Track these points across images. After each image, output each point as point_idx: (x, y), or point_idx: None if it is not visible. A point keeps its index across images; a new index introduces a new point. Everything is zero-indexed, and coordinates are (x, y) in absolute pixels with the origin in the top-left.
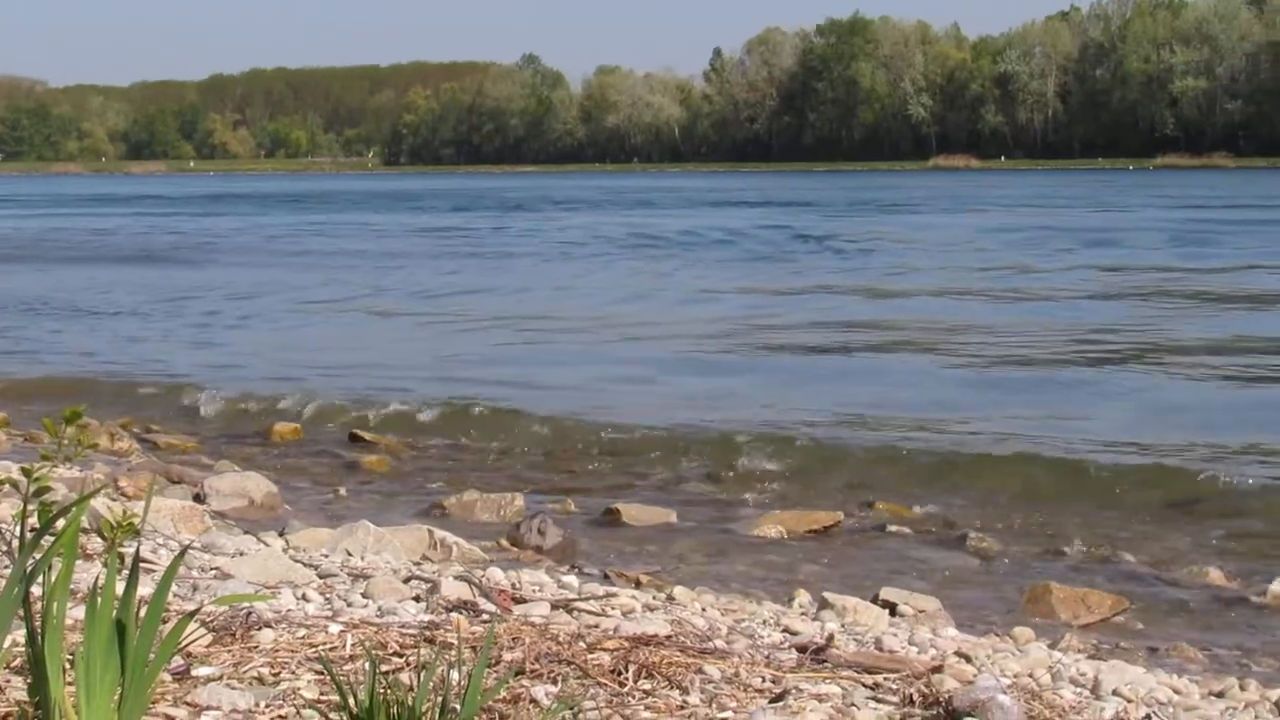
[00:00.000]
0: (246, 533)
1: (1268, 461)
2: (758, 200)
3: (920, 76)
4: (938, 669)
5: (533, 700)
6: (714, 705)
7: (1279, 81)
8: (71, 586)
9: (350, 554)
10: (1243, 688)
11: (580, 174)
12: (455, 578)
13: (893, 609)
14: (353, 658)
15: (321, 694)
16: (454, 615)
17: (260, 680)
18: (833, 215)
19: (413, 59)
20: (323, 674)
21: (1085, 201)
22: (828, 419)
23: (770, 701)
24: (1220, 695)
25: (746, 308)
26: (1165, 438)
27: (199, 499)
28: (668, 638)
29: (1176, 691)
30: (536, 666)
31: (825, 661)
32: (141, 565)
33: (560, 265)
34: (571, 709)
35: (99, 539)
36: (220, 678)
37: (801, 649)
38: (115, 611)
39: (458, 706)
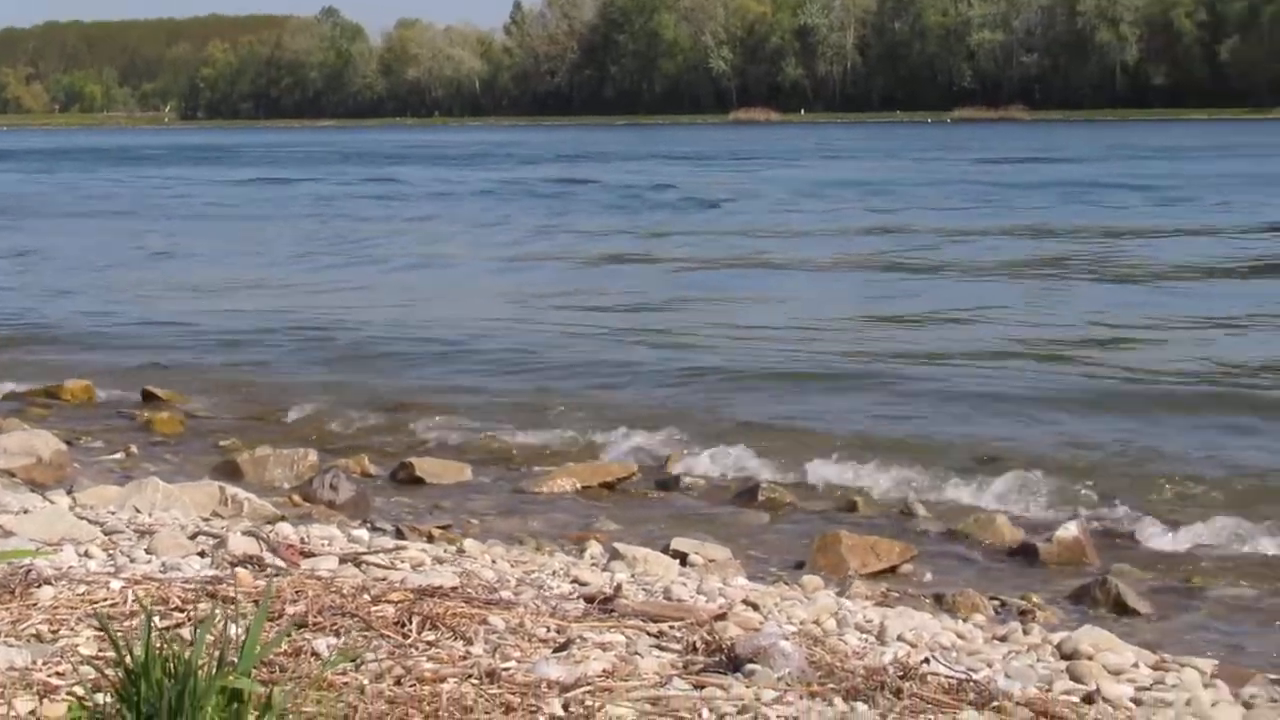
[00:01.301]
0: (33, 491)
1: (1057, 420)
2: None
3: (721, 29)
4: (721, 617)
5: (314, 653)
6: (498, 655)
7: (1073, 34)
8: None
9: (139, 511)
10: (1026, 632)
11: (382, 128)
12: (243, 533)
13: (684, 559)
14: (133, 614)
15: (100, 650)
16: (238, 570)
17: (38, 637)
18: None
19: (210, 11)
20: (102, 631)
21: (877, 152)
22: (624, 376)
23: (554, 651)
24: (1003, 639)
25: (557, 270)
26: (960, 389)
27: None
28: (453, 589)
29: (960, 636)
30: (319, 619)
31: (612, 611)
32: None
33: (364, 224)
34: (353, 661)
35: None
36: None
37: (590, 599)
38: None
39: (235, 660)
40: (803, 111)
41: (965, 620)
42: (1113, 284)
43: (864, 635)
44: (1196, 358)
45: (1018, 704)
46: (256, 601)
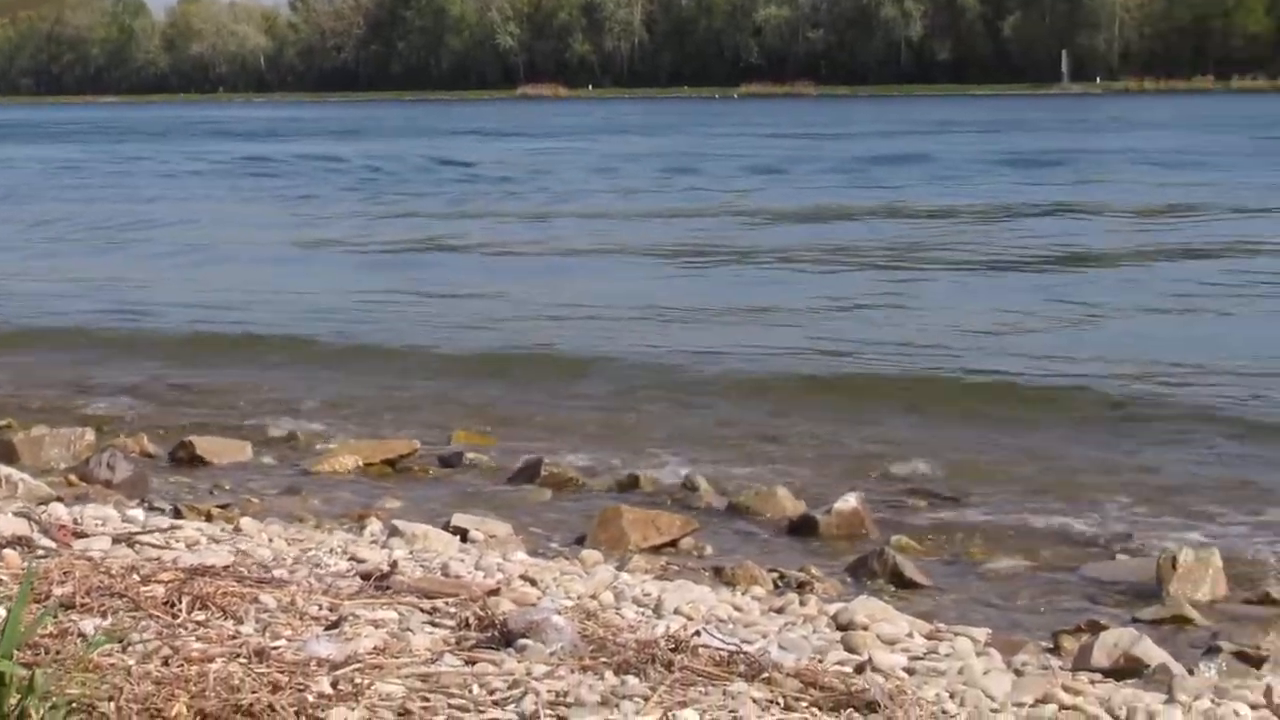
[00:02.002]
0: None
1: (839, 399)
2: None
3: (508, 5)
4: (495, 592)
5: (80, 634)
6: (268, 634)
7: (859, 10)
8: None
9: None
10: (803, 604)
11: (164, 104)
12: (14, 514)
13: (464, 535)
14: None
15: None
16: (5, 552)
17: None
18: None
19: None
20: None
21: (667, 128)
22: (404, 347)
23: (326, 629)
24: (780, 611)
25: (347, 229)
26: (743, 370)
27: None
28: (225, 568)
29: (738, 609)
30: (87, 600)
31: (388, 588)
32: None
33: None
34: (119, 641)
35: None
36: None
37: (366, 576)
38: None
39: None
40: (591, 87)
41: (744, 593)
42: (900, 268)
43: (641, 609)
44: (976, 347)
45: (788, 675)
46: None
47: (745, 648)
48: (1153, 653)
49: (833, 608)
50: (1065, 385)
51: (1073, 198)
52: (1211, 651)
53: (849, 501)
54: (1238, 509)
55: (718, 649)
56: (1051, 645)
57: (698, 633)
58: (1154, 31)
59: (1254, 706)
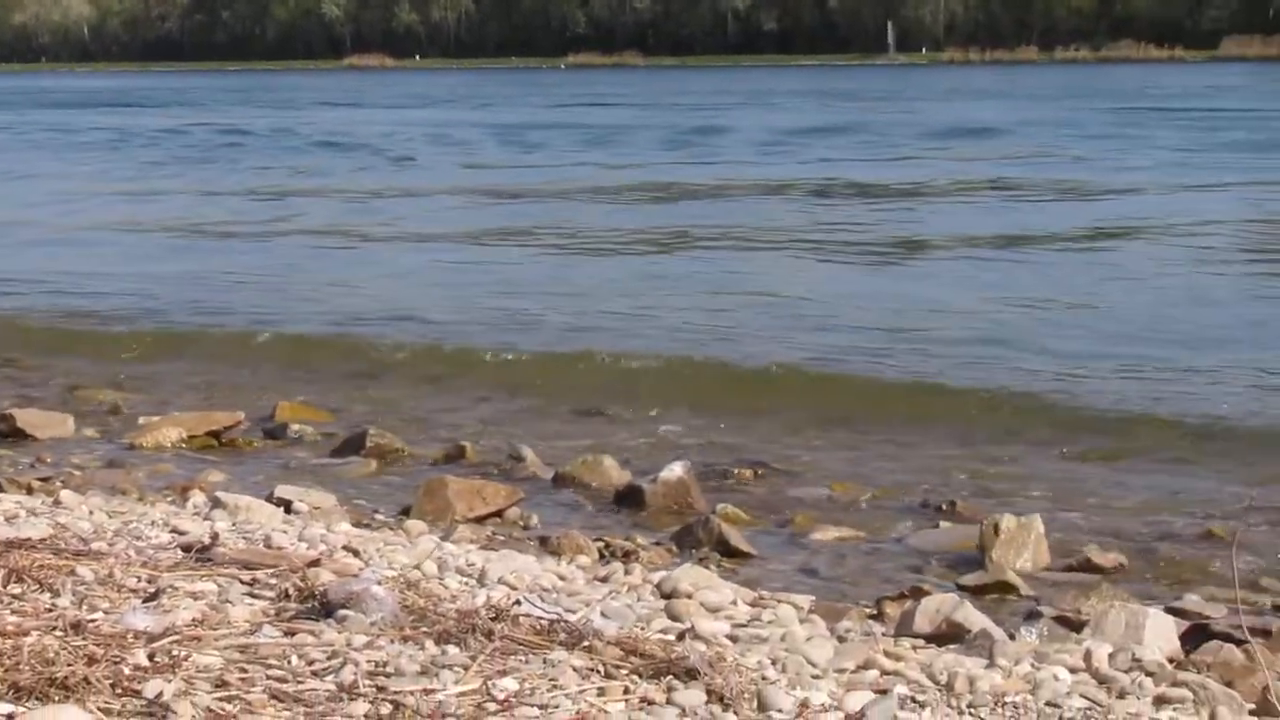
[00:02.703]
0: None
1: (663, 369)
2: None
3: None
4: (315, 563)
5: None
6: (85, 606)
7: None
8: None
9: None
10: (628, 572)
11: None
12: None
13: (288, 507)
14: None
15: None
16: None
17: None
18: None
19: None
20: None
21: (498, 98)
22: (232, 316)
23: (144, 601)
24: (605, 580)
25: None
26: (568, 338)
27: None
28: (42, 541)
29: (562, 578)
30: None
31: (209, 560)
32: None
33: None
34: None
35: None
36: None
37: (187, 549)
38: None
39: None
40: (418, 58)
41: (569, 562)
42: (726, 248)
43: (465, 579)
44: (801, 326)
45: (609, 643)
46: None
47: (567, 616)
48: (974, 618)
49: (657, 576)
50: (893, 363)
51: (898, 176)
52: (1033, 616)
53: (675, 471)
54: (1061, 479)
55: (539, 618)
56: (875, 612)
57: (518, 602)
58: (978, 3)
59: (1073, 670)
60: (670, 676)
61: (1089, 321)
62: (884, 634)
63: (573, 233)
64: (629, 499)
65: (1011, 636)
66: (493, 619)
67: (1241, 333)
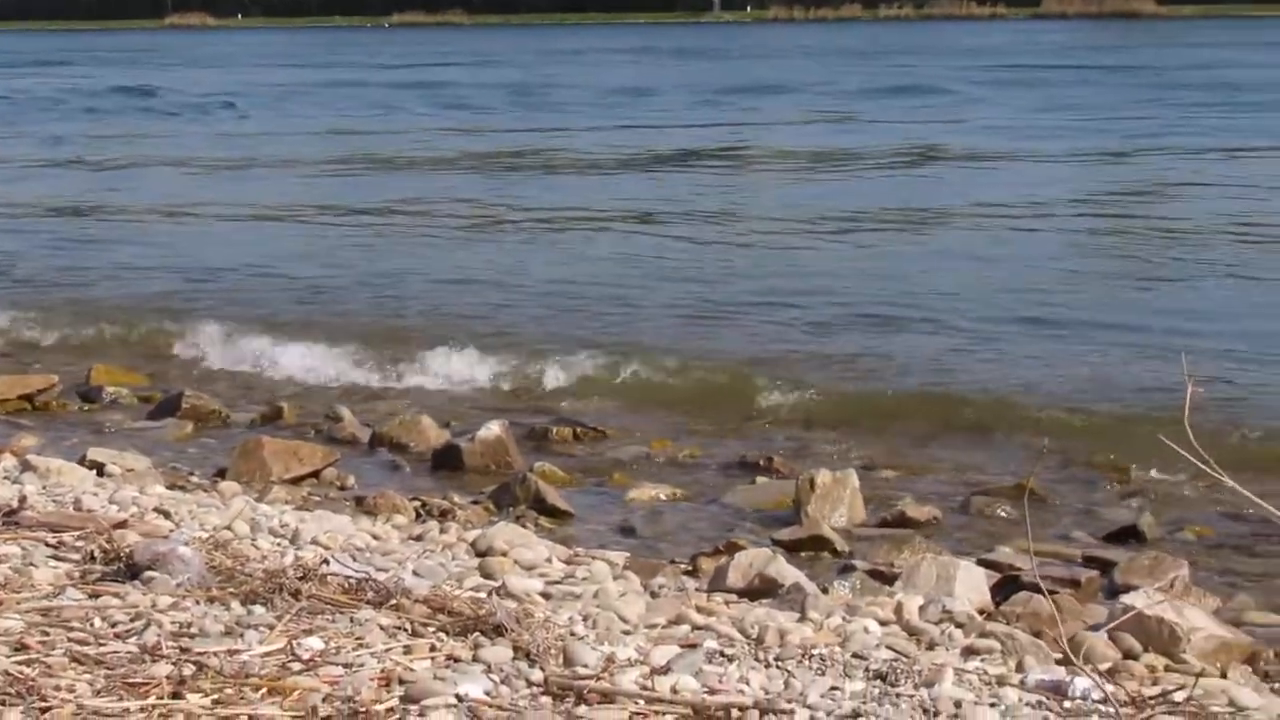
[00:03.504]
0: None
1: (477, 319)
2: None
3: None
4: (122, 525)
5: None
6: None
7: None
8: None
9: None
10: (443, 531)
11: None
12: None
13: (101, 469)
14: None
15: None
16: None
17: None
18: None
19: None
20: None
21: (324, 57)
22: (55, 279)
23: None
24: (419, 539)
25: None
26: (384, 295)
27: None
28: None
29: (376, 537)
30: None
31: (15, 523)
32: None
33: None
34: None
35: None
36: None
37: None
38: None
39: None
40: (239, 16)
41: (385, 522)
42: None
43: (278, 539)
44: (621, 284)
45: (416, 601)
46: None
47: (376, 575)
48: (787, 572)
49: (472, 535)
50: (725, 329)
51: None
52: (846, 570)
53: (492, 430)
54: (877, 438)
55: (347, 577)
56: (690, 568)
57: (326, 561)
58: None
59: (884, 622)
60: (477, 633)
61: (908, 289)
62: (697, 589)
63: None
64: (447, 458)
65: (824, 590)
66: (300, 578)
67: (1057, 304)
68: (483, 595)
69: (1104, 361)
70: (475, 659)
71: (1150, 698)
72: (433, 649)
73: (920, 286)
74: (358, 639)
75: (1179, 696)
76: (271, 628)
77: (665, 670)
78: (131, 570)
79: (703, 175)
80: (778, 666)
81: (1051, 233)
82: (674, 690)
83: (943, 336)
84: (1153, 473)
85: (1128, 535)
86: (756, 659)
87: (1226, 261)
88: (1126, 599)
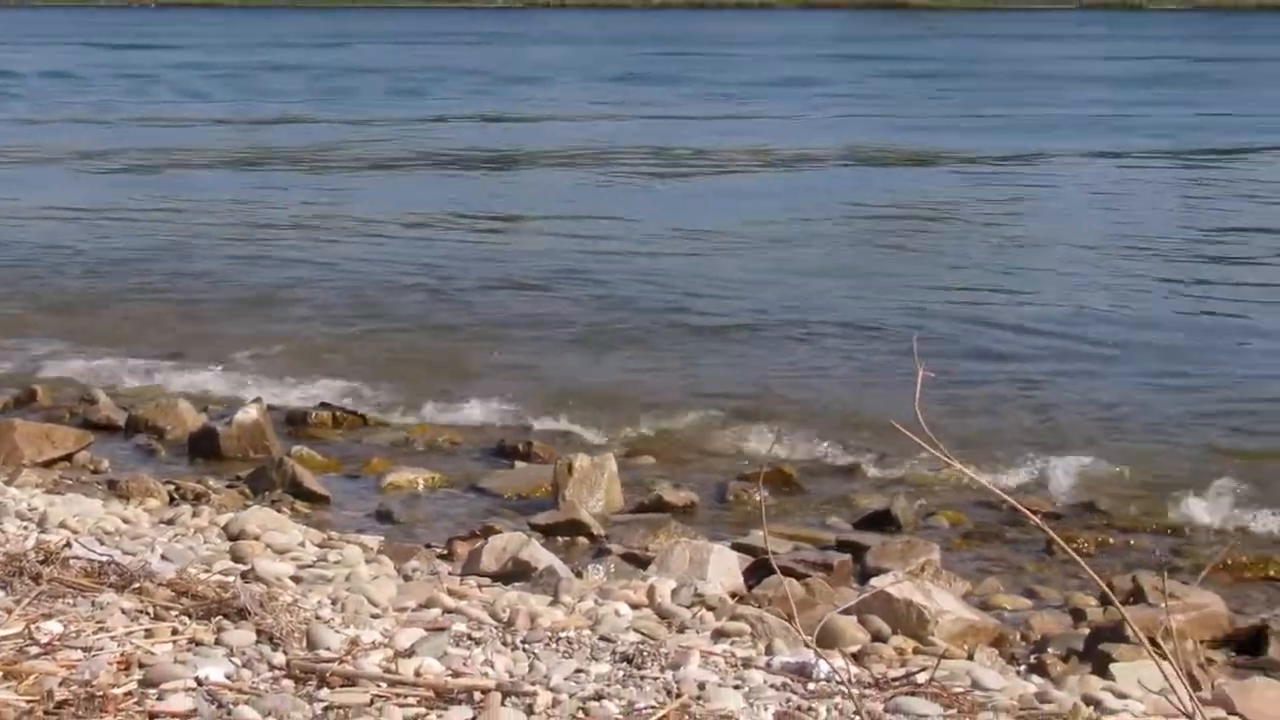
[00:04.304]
0: None
1: (240, 302)
2: None
3: None
4: None
5: None
6: None
7: None
8: None
9: None
10: (195, 515)
11: None
12: None
13: None
14: None
15: None
16: None
17: None
18: None
19: None
20: None
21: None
22: None
23: None
24: (171, 523)
25: None
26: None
27: None
28: None
29: (127, 521)
30: None
31: None
32: None
33: None
34: None
35: None
36: None
37: None
38: None
39: None
40: None
41: (138, 506)
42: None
43: (25, 523)
44: (395, 257)
45: (160, 585)
46: None
47: (119, 559)
48: (540, 555)
49: (224, 518)
50: (476, 307)
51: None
52: (601, 554)
53: (250, 413)
54: (635, 423)
55: (90, 560)
56: (445, 552)
57: (69, 544)
58: None
59: (636, 606)
60: (221, 617)
61: (673, 277)
62: (451, 573)
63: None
64: (204, 442)
65: (579, 574)
66: (41, 562)
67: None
68: (229, 579)
69: (861, 351)
70: (218, 642)
71: (894, 679)
72: (175, 632)
73: (686, 272)
74: (98, 623)
75: (921, 678)
76: (9, 611)
77: (410, 653)
78: None
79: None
80: (524, 649)
81: (803, 227)
82: (417, 673)
83: (704, 326)
84: (908, 460)
85: (882, 521)
86: (504, 642)
87: (971, 252)
88: (875, 582)
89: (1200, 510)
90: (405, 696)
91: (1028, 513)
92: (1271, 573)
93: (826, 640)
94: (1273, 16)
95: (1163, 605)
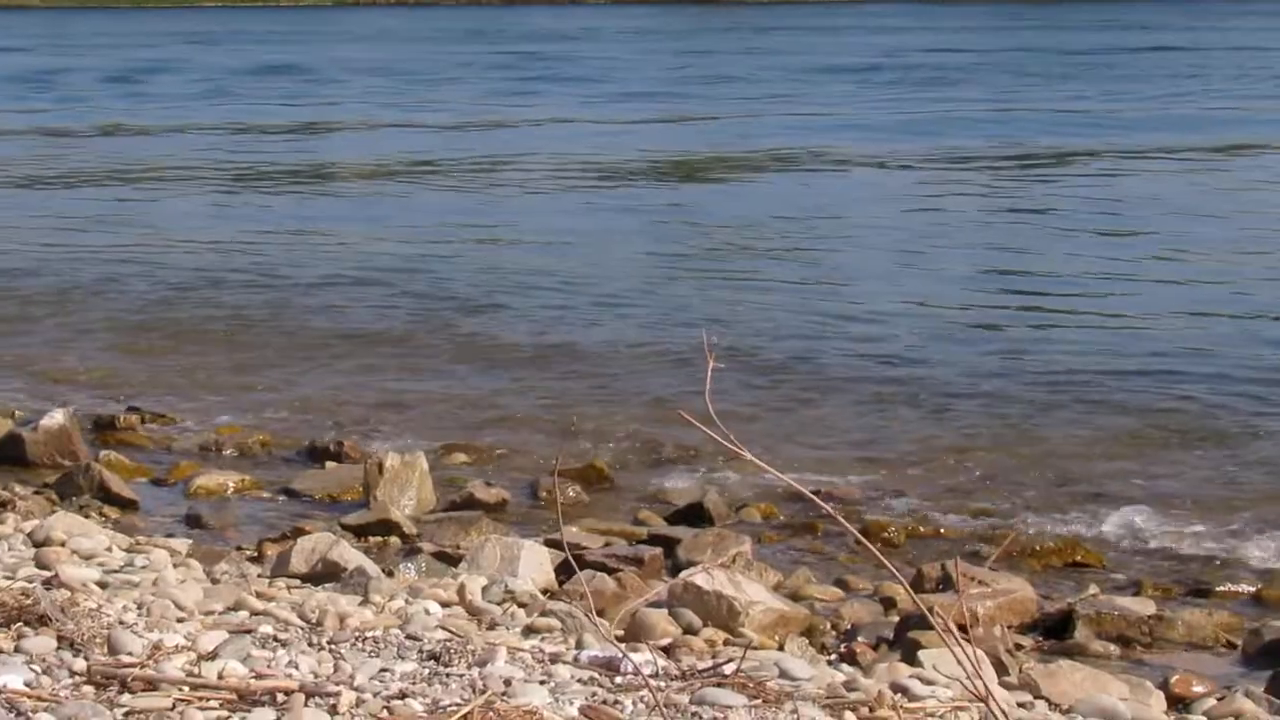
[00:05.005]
0: None
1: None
2: None
3: None
4: None
5: None
6: None
7: None
8: None
9: None
10: (0, 521)
11: None
12: None
13: None
14: None
15: None
16: None
17: None
18: None
19: None
20: None
21: None
22: None
23: None
24: None
25: None
26: None
27: None
28: None
29: None
30: None
31: None
32: None
33: None
34: None
35: None
36: None
37: None
38: None
39: None
40: None
41: None
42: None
43: None
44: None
45: None
46: None
47: None
48: (350, 556)
49: (29, 525)
50: (291, 302)
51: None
52: (413, 553)
53: (56, 418)
54: (449, 418)
55: None
56: (256, 554)
57: None
58: None
59: (446, 604)
60: (21, 624)
61: (493, 264)
62: (260, 575)
63: None
64: (9, 449)
65: (389, 573)
66: None
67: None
68: (33, 586)
69: (670, 340)
70: (18, 649)
71: (701, 670)
72: None
73: (502, 263)
74: None
75: (728, 669)
76: None
77: (213, 656)
78: None
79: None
80: (330, 650)
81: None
82: (220, 676)
83: (512, 316)
84: (722, 455)
85: (695, 515)
86: (310, 643)
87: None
88: (685, 575)
89: (1011, 500)
90: (207, 700)
91: (819, 501)
92: (1079, 558)
93: (638, 634)
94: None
95: (971, 592)
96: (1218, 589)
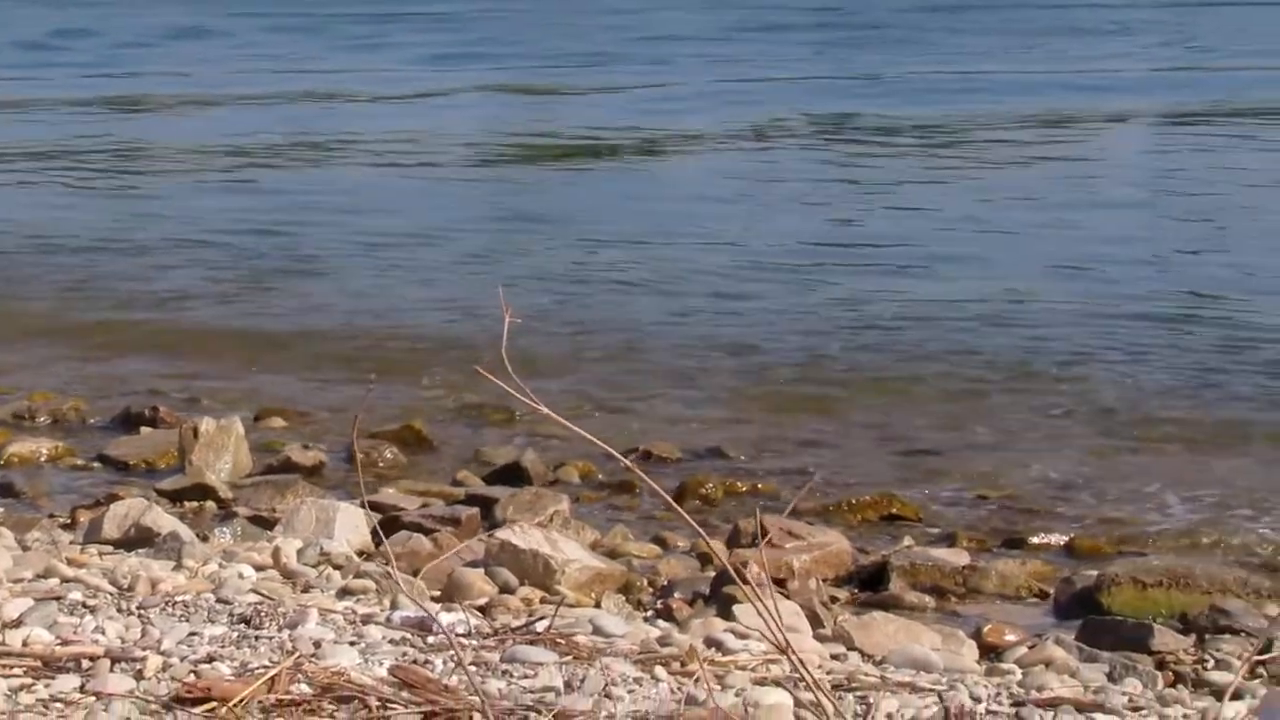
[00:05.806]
0: None
1: None
2: None
3: None
4: None
5: None
6: None
7: None
8: None
9: None
10: None
11: None
12: None
13: None
14: None
15: None
16: None
17: None
18: None
19: None
20: None
21: None
22: None
23: None
24: None
25: None
26: None
27: None
28: None
29: None
30: None
31: None
32: None
33: None
34: None
35: None
36: None
37: None
38: None
39: None
40: None
41: None
42: None
43: None
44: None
45: None
46: None
47: None
48: (163, 521)
49: None
50: (97, 266)
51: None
52: (228, 517)
53: None
54: (268, 382)
55: None
56: (68, 521)
57: None
58: None
59: (260, 567)
60: None
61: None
62: (72, 542)
63: None
64: None
65: (204, 538)
66: None
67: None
68: None
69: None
70: None
71: (515, 629)
72: None
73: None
74: None
75: (541, 626)
76: None
77: (18, 623)
78: None
79: None
80: (138, 615)
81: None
82: (25, 643)
83: (327, 279)
84: (539, 412)
85: (513, 474)
86: (119, 608)
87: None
88: (499, 534)
89: (829, 454)
90: (11, 667)
91: (620, 457)
92: (895, 510)
93: (454, 594)
94: None
95: (786, 546)
96: (1031, 540)
